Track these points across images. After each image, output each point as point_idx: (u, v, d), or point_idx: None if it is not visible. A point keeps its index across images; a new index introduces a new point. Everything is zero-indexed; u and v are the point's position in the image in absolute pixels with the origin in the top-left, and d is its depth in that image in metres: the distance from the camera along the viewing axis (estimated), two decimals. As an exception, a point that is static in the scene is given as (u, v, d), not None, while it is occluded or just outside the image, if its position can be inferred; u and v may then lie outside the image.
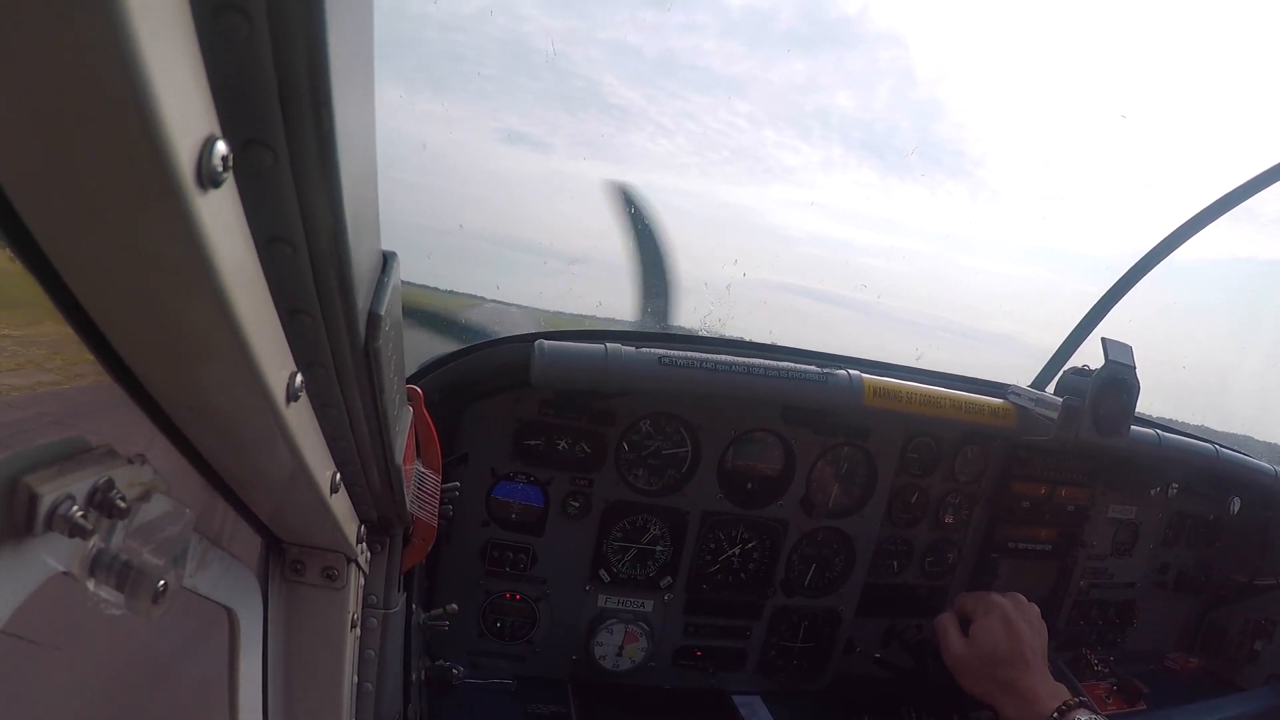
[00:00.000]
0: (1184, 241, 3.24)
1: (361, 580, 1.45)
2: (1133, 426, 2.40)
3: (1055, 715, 2.04)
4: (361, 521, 1.32)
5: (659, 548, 2.39)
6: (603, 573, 2.36)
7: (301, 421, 0.75)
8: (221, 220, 0.45)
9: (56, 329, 0.54)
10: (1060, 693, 2.11)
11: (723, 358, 2.07)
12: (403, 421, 1.26)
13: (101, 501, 0.56)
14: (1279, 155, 2.99)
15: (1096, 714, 2.02)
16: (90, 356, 0.57)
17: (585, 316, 2.71)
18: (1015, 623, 2.26)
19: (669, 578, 2.42)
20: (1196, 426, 3.31)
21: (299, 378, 0.69)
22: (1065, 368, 2.46)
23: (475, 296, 2.60)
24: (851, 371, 2.18)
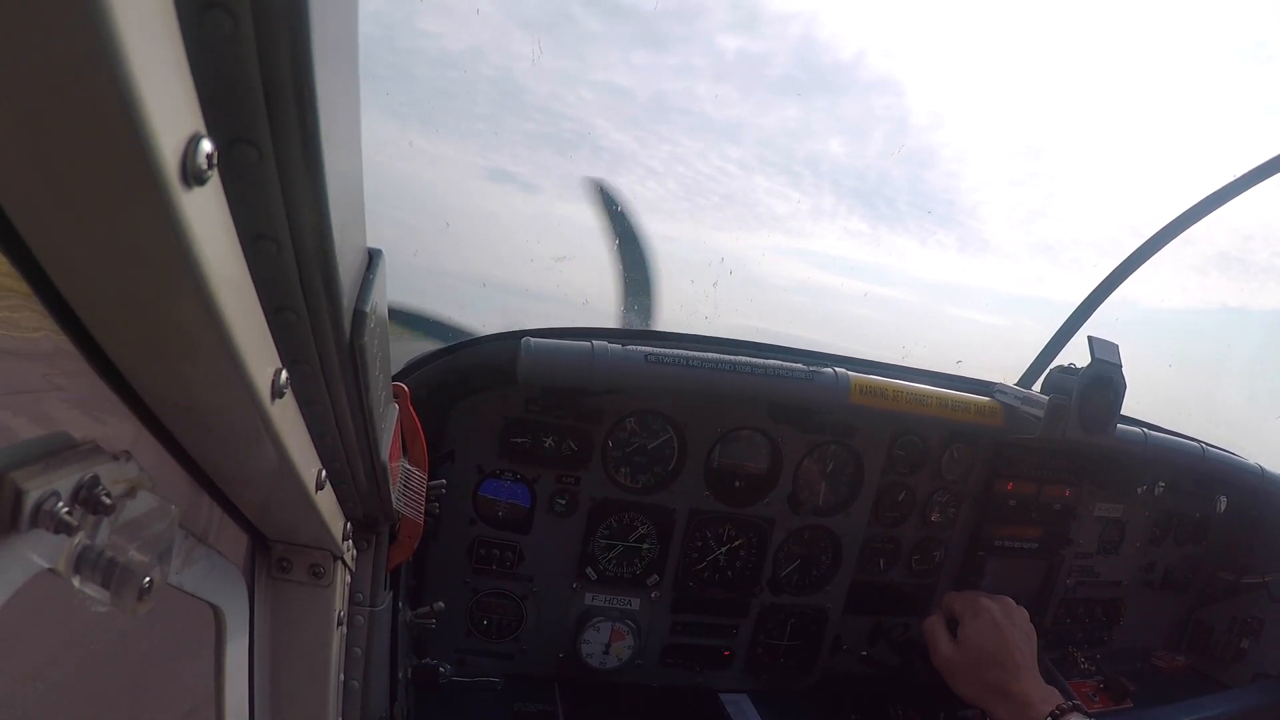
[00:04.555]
0: (1174, 238, 3.25)
1: (348, 578, 1.45)
2: (1119, 425, 2.41)
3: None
4: (348, 519, 1.32)
5: (646, 546, 2.40)
6: (589, 571, 2.36)
7: (287, 418, 0.75)
8: (206, 218, 0.45)
9: (42, 325, 0.54)
10: (1052, 697, 2.11)
11: (709, 355, 2.07)
12: (389, 419, 1.26)
13: (87, 498, 0.56)
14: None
15: (1088, 717, 2.03)
16: (76, 353, 0.58)
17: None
18: (1004, 627, 2.26)
19: (656, 576, 2.42)
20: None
21: (284, 375, 0.69)
22: (1051, 366, 2.47)
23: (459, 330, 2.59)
24: (838, 369, 2.18)
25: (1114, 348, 2.36)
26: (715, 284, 2.76)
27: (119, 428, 0.66)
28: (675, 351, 2.05)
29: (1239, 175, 3.05)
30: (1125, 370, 2.34)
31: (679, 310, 2.81)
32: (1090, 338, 2.35)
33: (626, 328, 2.45)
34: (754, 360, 2.10)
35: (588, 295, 2.73)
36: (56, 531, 0.53)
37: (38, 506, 0.51)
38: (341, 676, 1.50)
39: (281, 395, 0.69)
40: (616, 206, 2.77)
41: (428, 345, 2.20)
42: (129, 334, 0.57)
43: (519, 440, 2.21)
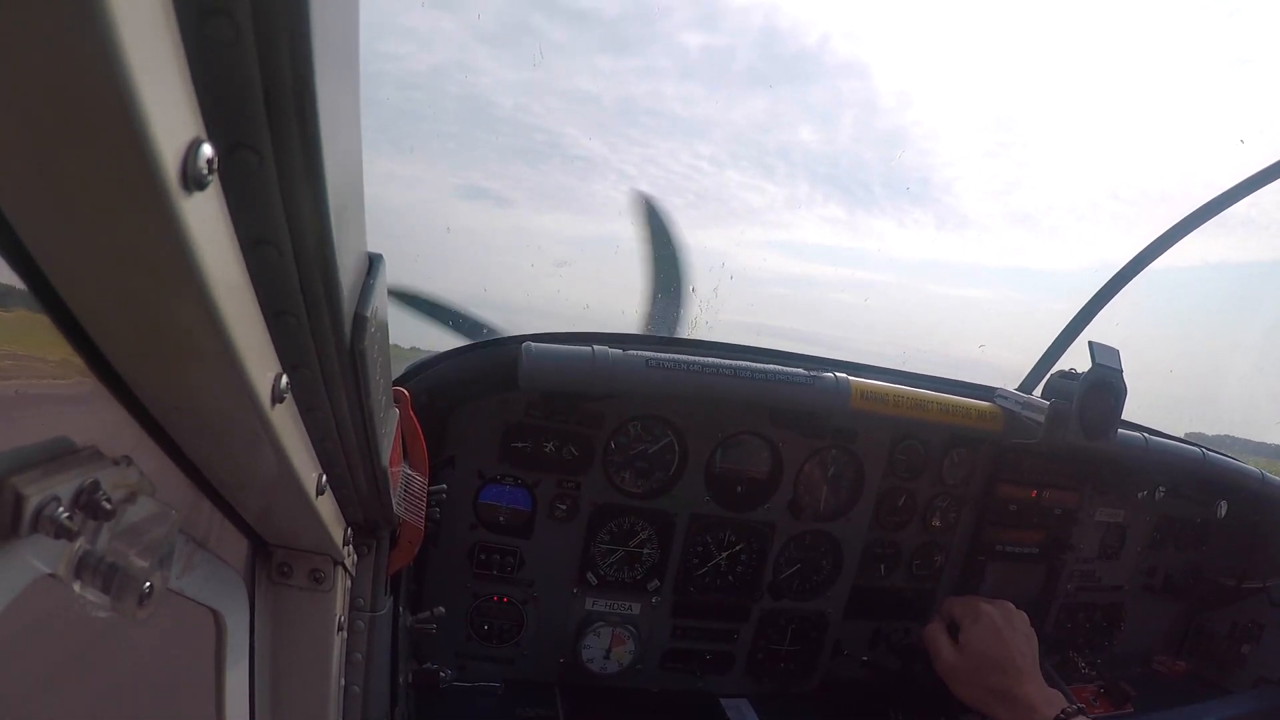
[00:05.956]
0: (1176, 241, 3.25)
1: (348, 583, 1.45)
2: (1120, 430, 2.41)
3: None
4: (348, 524, 1.32)
5: (646, 550, 2.39)
6: (590, 575, 2.36)
7: (287, 423, 0.75)
8: (207, 222, 0.46)
9: (43, 331, 0.54)
10: (1056, 700, 2.11)
11: (710, 360, 2.07)
12: (389, 423, 1.26)
13: (87, 503, 0.56)
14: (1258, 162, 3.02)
15: None
16: (76, 358, 0.58)
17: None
18: (1004, 631, 2.26)
19: (656, 580, 2.42)
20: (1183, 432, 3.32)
21: (284, 379, 0.69)
22: (1052, 371, 2.46)
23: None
24: (838, 374, 2.18)
25: (1115, 353, 2.36)
26: (715, 290, 2.77)
27: (119, 433, 0.66)
28: (675, 356, 2.05)
29: (1248, 176, 3.05)
30: (1124, 361, 2.34)
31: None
32: (1091, 343, 2.35)
33: (628, 332, 2.45)
34: (754, 365, 2.10)
35: (588, 301, 2.74)
36: (57, 536, 0.53)
37: (38, 511, 0.51)
38: (342, 681, 1.50)
39: (282, 400, 0.69)
40: (659, 219, 2.77)
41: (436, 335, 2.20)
42: (129, 338, 0.57)
43: (519, 445, 2.21)
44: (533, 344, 1.98)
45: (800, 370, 2.15)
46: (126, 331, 0.56)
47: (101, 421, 0.65)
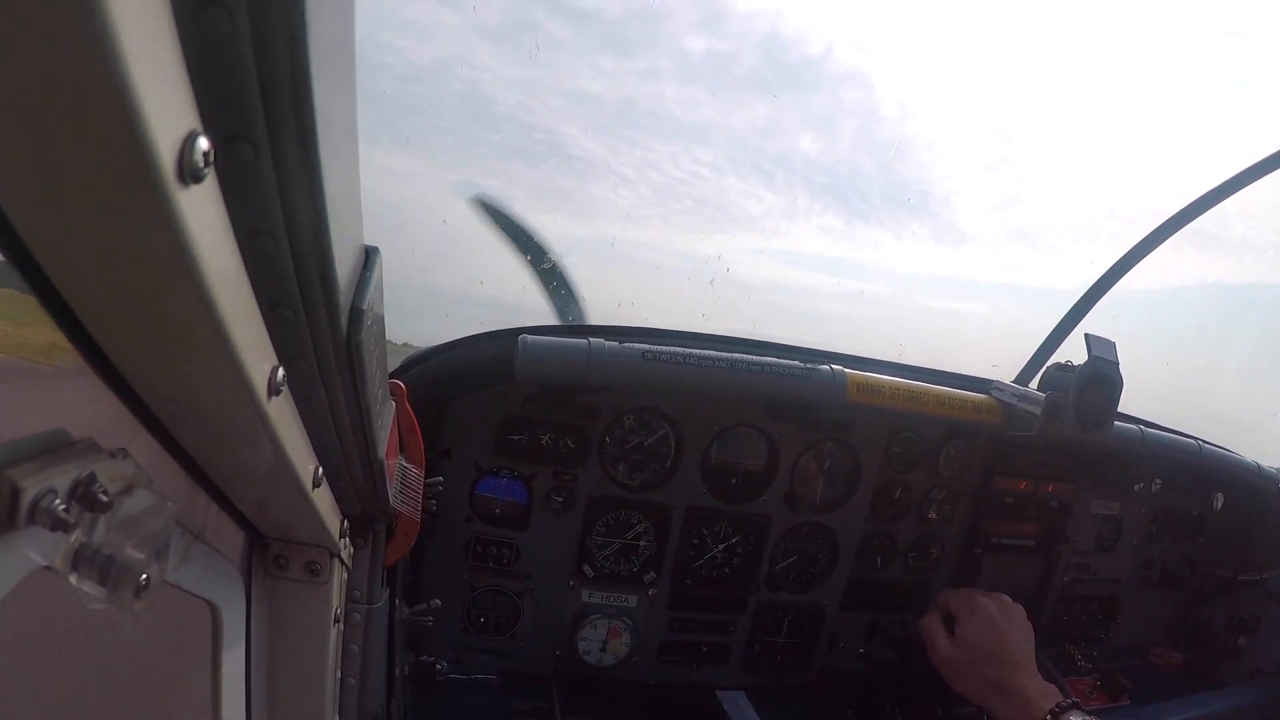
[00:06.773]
0: (1172, 233, 3.25)
1: (345, 575, 1.45)
2: (1116, 422, 2.41)
3: (1049, 718, 2.04)
4: (344, 516, 1.32)
5: (643, 543, 2.39)
6: (586, 568, 2.36)
7: (283, 415, 0.75)
8: (203, 214, 0.46)
9: (39, 323, 0.54)
10: (1052, 694, 2.11)
11: (706, 353, 2.06)
12: (385, 416, 1.26)
13: (84, 495, 0.56)
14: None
15: (1088, 715, 2.03)
16: (73, 350, 0.58)
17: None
18: (1001, 624, 2.27)
19: (653, 573, 2.42)
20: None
21: (281, 372, 0.69)
22: (1048, 363, 2.46)
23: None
24: (834, 367, 2.18)
25: (1111, 345, 2.35)
26: (712, 281, 2.76)
27: (116, 425, 0.66)
28: (672, 349, 2.04)
29: (1245, 168, 3.05)
30: (1122, 359, 2.34)
31: (674, 311, 2.80)
32: (1087, 335, 2.34)
33: (625, 325, 2.44)
34: (750, 358, 2.10)
35: (583, 294, 2.73)
36: (53, 528, 0.53)
37: (35, 503, 0.51)
38: (338, 673, 1.50)
39: (278, 392, 0.69)
40: (503, 214, 2.75)
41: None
42: (126, 331, 0.57)
43: (516, 438, 2.20)
44: (529, 336, 1.98)
45: (796, 363, 2.15)
46: (123, 324, 0.56)
47: (98, 414, 0.65)
